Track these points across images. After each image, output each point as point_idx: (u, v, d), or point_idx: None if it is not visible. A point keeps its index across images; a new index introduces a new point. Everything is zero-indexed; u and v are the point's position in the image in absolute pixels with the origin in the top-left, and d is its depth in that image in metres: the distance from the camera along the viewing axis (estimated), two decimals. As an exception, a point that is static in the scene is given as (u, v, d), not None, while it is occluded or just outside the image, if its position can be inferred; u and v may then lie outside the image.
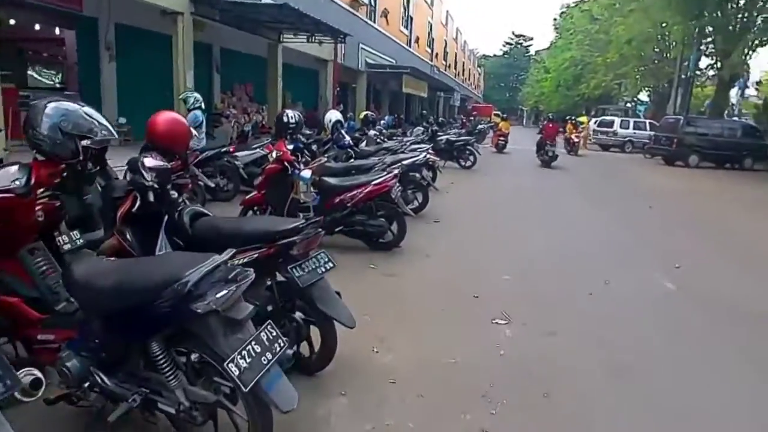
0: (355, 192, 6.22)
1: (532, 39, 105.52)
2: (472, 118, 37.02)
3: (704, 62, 27.63)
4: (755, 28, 21.64)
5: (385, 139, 13.73)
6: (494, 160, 20.32)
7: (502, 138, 24.43)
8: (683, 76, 28.08)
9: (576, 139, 23.60)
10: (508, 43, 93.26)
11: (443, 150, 16.26)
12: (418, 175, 9.05)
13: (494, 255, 6.73)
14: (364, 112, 13.02)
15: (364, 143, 11.55)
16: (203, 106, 9.19)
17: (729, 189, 15.55)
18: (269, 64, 16.88)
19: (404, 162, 8.45)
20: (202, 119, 9.05)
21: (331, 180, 6.49)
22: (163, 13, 12.28)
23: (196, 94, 9.08)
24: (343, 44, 21.32)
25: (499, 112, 62.96)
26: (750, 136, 21.41)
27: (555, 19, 58.99)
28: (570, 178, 15.96)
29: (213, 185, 8.29)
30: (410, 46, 33.10)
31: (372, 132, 11.64)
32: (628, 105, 42.58)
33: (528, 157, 19.71)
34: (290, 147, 6.37)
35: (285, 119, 6.70)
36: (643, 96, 44.94)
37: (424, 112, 24.72)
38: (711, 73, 26.15)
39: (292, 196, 6.49)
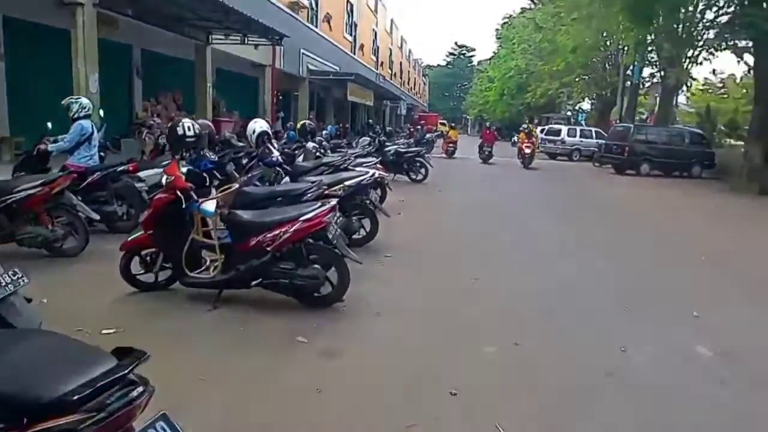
0: (277, 231, 4.36)
1: (474, 50, 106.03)
2: (419, 127, 35.63)
3: (646, 71, 27.28)
4: (702, 37, 21.06)
5: (328, 152, 11.97)
6: (445, 169, 18.77)
7: (451, 144, 25.65)
8: (627, 84, 27.63)
9: (528, 150, 20.89)
10: (451, 54, 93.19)
11: (392, 162, 14.57)
12: (365, 197, 7.31)
13: (466, 306, 5.03)
14: (302, 121, 11.16)
15: (301, 157, 9.72)
16: (93, 113, 7.17)
17: (694, 201, 14.53)
18: (197, 68, 14.81)
19: (348, 182, 6.71)
20: (92, 131, 7.01)
21: (246, 214, 4.62)
22: (60, 4, 10.12)
23: (83, 100, 7.04)
24: (282, 48, 19.54)
25: (445, 121, 62.53)
26: (697, 144, 20.78)
27: (497, 29, 58.80)
28: (527, 192, 14.58)
29: (97, 217, 6.26)
30: (355, 54, 31.46)
31: (311, 144, 9.81)
32: (569, 113, 42.33)
33: (477, 166, 18.38)
34: (186, 169, 4.50)
35: (179, 131, 4.84)
36: (584, 105, 45.04)
37: (371, 121, 23.12)
38: (653, 81, 25.58)
39: (193, 236, 4.61)
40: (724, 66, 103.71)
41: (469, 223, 9.30)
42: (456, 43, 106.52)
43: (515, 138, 25.00)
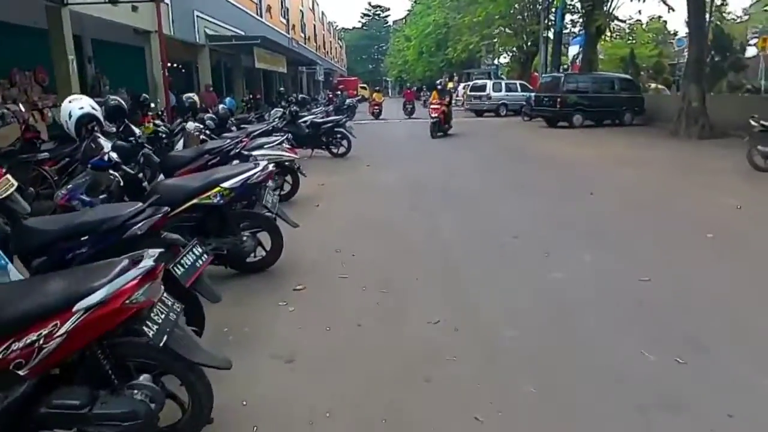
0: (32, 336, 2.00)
1: (389, 9, 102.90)
2: (338, 92, 33.00)
3: (567, 19, 25.87)
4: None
5: (232, 128, 9.52)
6: (371, 137, 16.59)
7: (377, 107, 26.56)
8: (548, 34, 26.16)
9: (435, 114, 16.11)
10: (365, 15, 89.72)
11: (308, 137, 12.25)
12: (258, 202, 5.07)
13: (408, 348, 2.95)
14: (186, 96, 8.51)
15: (181, 143, 7.21)
16: None
17: (643, 152, 13.05)
18: (52, 36, 11.60)
19: (227, 183, 4.37)
20: None
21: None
22: None
23: None
24: (169, 8, 16.43)
25: (365, 85, 59.83)
26: (627, 90, 19.58)
27: (410, -15, 55.97)
28: (463, 156, 12.64)
29: None
30: (261, 17, 28.11)
31: (191, 125, 7.25)
32: (490, 68, 40.83)
33: (403, 129, 16.29)
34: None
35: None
36: (503, 59, 43.66)
37: (281, 89, 20.30)
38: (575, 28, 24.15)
39: None
40: (626, 12, 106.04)
41: (405, 209, 7.18)
42: (370, 4, 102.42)
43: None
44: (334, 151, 12.48)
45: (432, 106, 16.94)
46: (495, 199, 7.68)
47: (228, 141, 6.43)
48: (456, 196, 7.90)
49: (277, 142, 7.30)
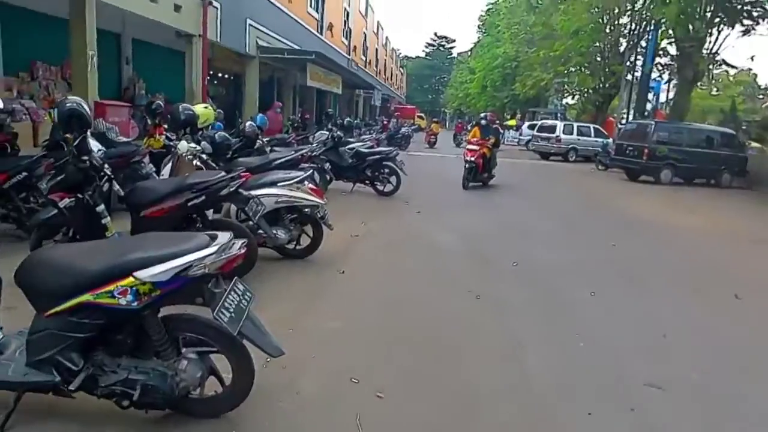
0: None
1: (454, 41, 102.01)
2: (394, 119, 31.35)
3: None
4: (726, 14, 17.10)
5: (240, 155, 7.71)
6: (423, 171, 14.54)
7: (433, 136, 28.38)
8: (630, 76, 23.72)
9: (471, 156, 11.94)
10: (430, 45, 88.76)
11: (351, 168, 10.36)
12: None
13: None
14: (183, 106, 6.56)
15: (168, 169, 5.36)
16: None
17: (759, 223, 10.48)
18: (72, 27, 10.15)
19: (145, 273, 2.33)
20: None
21: None
22: None
23: None
24: (218, 12, 15.08)
25: (423, 114, 58.25)
26: (728, 147, 16.84)
27: (481, 16, 54.39)
28: (535, 211, 10.36)
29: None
30: (322, 34, 26.85)
31: (184, 145, 5.28)
32: (558, 108, 38.39)
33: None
34: None
35: None
36: (568, 99, 41.15)
37: (330, 111, 18.61)
38: (667, 71, 21.57)
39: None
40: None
41: (466, 296, 4.99)
42: (435, 34, 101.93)
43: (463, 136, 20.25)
44: (380, 188, 10.48)
45: (469, 147, 12.26)
46: (595, 289, 5.41)
47: (220, 175, 4.47)
48: (536, 281, 5.67)
49: (296, 179, 5.33)
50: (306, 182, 5.44)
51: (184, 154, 5.26)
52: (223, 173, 4.57)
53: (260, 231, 5.10)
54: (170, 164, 5.33)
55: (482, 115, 13.89)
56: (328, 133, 11.05)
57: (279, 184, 5.24)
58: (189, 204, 4.38)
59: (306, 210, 5.32)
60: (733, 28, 17.47)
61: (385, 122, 28.64)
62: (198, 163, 5.26)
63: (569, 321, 4.48)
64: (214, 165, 5.37)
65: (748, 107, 40.08)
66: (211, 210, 5.02)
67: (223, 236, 2.47)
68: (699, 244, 8.27)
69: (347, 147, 11.45)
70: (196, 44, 14.36)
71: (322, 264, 5.51)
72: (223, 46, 17.21)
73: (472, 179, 12.22)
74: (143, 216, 4.43)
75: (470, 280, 5.41)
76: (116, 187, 4.40)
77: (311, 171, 5.80)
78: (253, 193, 5.02)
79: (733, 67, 19.45)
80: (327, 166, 9.50)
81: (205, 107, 7.05)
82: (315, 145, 9.92)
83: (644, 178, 16.69)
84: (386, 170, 10.45)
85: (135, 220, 4.51)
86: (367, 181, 10.48)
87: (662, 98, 30.65)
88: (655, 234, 8.77)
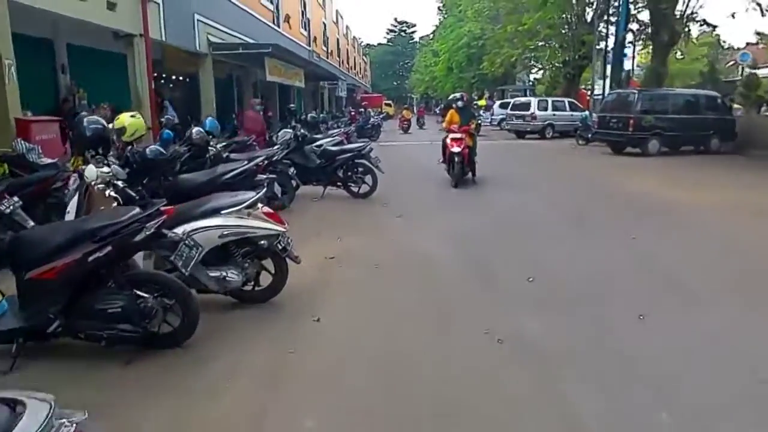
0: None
1: (415, 25, 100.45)
2: (362, 110, 29.93)
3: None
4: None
5: (191, 167, 6.42)
6: (399, 163, 13.30)
7: (406, 122, 29.69)
8: (598, 45, 22.71)
9: (456, 147, 9.99)
10: (391, 31, 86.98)
11: (319, 170, 9.05)
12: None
13: None
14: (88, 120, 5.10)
15: (74, 202, 3.99)
16: None
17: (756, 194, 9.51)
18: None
19: None
20: None
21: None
22: None
23: None
24: (160, 8, 13.53)
25: (390, 102, 56.79)
26: (714, 110, 15.92)
27: (441, -3, 52.85)
28: (530, 201, 9.18)
29: None
30: (279, 26, 25.22)
31: (92, 171, 3.86)
32: (527, 84, 37.38)
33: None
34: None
35: None
36: (535, 75, 40.16)
37: (292, 106, 17.11)
38: (642, 36, 20.51)
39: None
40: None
41: (480, 338, 3.78)
42: (396, 20, 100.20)
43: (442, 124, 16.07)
44: (354, 189, 9.19)
45: (452, 136, 10.18)
46: (639, 308, 4.24)
47: (131, 214, 3.15)
48: (563, 303, 4.48)
49: (245, 202, 4.01)
50: (260, 205, 4.12)
51: (93, 183, 3.90)
52: (137, 210, 3.25)
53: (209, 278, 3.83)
54: (76, 197, 3.97)
55: (456, 95, 11.56)
56: (291, 131, 9.71)
57: (223, 212, 3.93)
58: (89, 259, 3.06)
59: (262, 242, 4.02)
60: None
61: (353, 113, 27.21)
62: (113, 194, 3.90)
63: (631, 369, 3.29)
64: (132, 194, 4.01)
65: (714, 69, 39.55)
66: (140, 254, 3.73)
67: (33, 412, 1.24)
68: (724, 228, 7.18)
69: (314, 145, 10.15)
70: (138, 45, 12.77)
71: (290, 309, 4.23)
72: (172, 46, 15.63)
73: (462, 174, 10.23)
74: (29, 279, 3.11)
75: (482, 311, 4.19)
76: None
77: (264, 189, 4.44)
78: (188, 228, 3.72)
79: (712, 26, 18.58)
80: (292, 170, 8.18)
81: (133, 116, 5.62)
82: (276, 147, 8.56)
83: (630, 150, 15.74)
84: (360, 169, 9.16)
85: (20, 284, 3.19)
86: (339, 183, 9.18)
87: (626, 66, 29.86)
88: (670, 218, 7.66)
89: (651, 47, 20.34)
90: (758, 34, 30.49)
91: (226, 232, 3.89)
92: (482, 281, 4.93)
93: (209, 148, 8.40)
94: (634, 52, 27.05)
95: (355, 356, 3.54)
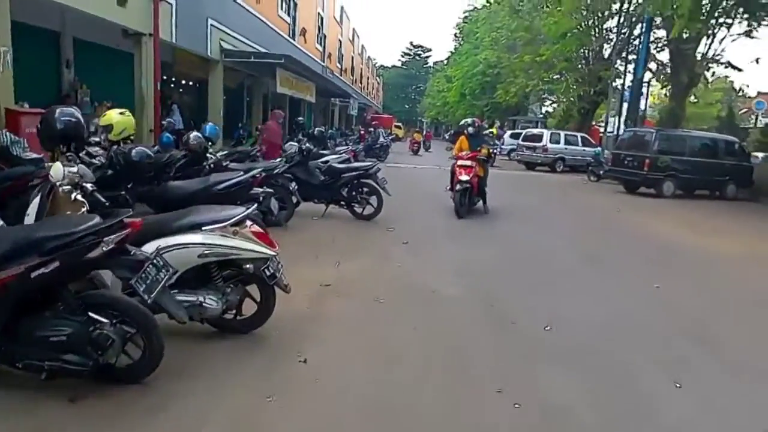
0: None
1: (430, 50, 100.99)
2: (371, 129, 29.57)
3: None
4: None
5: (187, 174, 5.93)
6: (407, 185, 12.80)
7: (416, 144, 30.62)
8: (614, 83, 22.41)
9: (465, 176, 9.24)
10: (406, 54, 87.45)
11: (323, 187, 8.52)
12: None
13: None
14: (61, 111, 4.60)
15: (35, 205, 3.44)
16: None
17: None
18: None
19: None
20: None
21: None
22: None
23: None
24: (173, 9, 13.20)
25: (400, 124, 56.58)
26: (732, 156, 15.45)
27: (458, 24, 52.96)
28: (544, 236, 8.64)
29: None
30: (294, 39, 24.99)
31: (59, 169, 3.33)
32: (539, 116, 37.09)
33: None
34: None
35: None
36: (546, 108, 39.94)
37: (301, 119, 16.64)
38: (661, 75, 20.15)
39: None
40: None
41: (501, 405, 3.22)
42: (411, 43, 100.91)
43: (450, 149, 14.66)
44: (358, 210, 8.66)
45: (460, 163, 9.48)
46: (673, 374, 3.68)
47: (89, 225, 2.61)
48: (586, 359, 3.91)
49: (232, 218, 3.46)
50: (249, 222, 3.57)
51: (59, 184, 3.36)
52: (97, 220, 2.70)
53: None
54: (38, 199, 3.43)
55: (468, 121, 10.72)
56: (297, 144, 9.21)
57: (205, 228, 3.38)
58: (32, 275, 2.51)
59: (247, 266, 3.47)
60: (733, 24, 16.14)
61: (362, 132, 26.82)
62: (80, 197, 3.36)
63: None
64: (102, 200, 3.47)
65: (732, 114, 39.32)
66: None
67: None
68: (749, 279, 6.61)
69: (320, 161, 9.67)
70: (147, 44, 12.36)
71: (274, 345, 3.66)
72: (183, 49, 15.28)
73: (468, 203, 9.51)
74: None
75: (494, 364, 3.61)
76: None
77: (255, 205, 3.88)
78: (162, 244, 3.17)
79: (737, 69, 18.20)
80: (293, 186, 7.64)
81: (122, 113, 5.14)
82: (279, 160, 8.05)
83: (643, 190, 15.23)
84: (365, 189, 8.63)
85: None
86: (342, 203, 8.65)
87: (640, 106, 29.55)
88: (693, 266, 7.09)
89: (669, 88, 19.96)
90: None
91: (206, 252, 3.34)
92: (494, 327, 4.36)
93: (208, 155, 7.94)
94: (647, 92, 26.85)
95: (344, 409, 2.96)
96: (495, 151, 21.69)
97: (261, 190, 5.46)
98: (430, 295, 4.99)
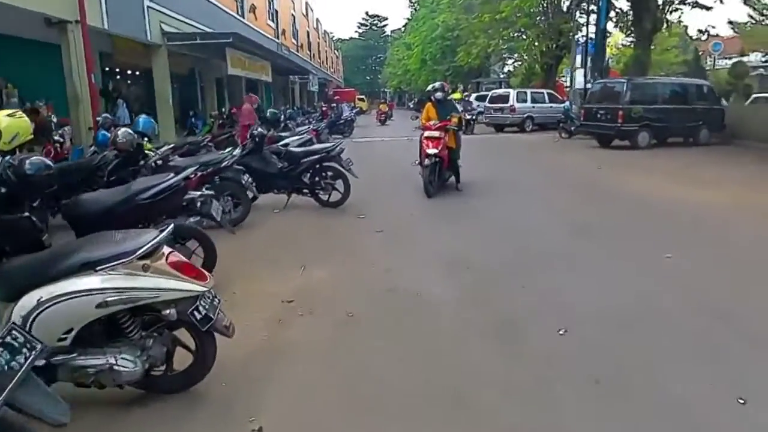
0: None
1: (387, 19, 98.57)
2: (334, 104, 28.31)
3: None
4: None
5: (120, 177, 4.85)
6: (376, 161, 11.87)
7: (383, 114, 30.89)
8: (575, 35, 21.56)
9: (434, 145, 8.17)
10: (362, 25, 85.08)
11: (282, 175, 7.54)
12: None
13: None
14: None
15: None
16: None
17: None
18: None
19: None
20: None
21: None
22: None
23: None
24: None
25: (363, 96, 55.04)
26: (703, 100, 14.82)
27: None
28: (529, 213, 7.84)
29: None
30: (243, 17, 23.40)
31: None
32: (502, 77, 36.19)
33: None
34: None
35: None
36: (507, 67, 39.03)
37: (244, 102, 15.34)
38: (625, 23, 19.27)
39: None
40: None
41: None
42: (367, 14, 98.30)
43: (417, 118, 12.73)
44: (323, 197, 7.69)
45: (427, 135, 8.37)
46: (730, 382, 2.92)
47: None
48: (615, 373, 3.11)
49: (140, 248, 2.47)
50: (165, 250, 2.61)
51: None
52: None
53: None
54: None
55: (436, 85, 9.30)
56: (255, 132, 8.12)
57: (101, 268, 2.41)
58: None
59: (167, 312, 2.52)
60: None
61: (324, 108, 25.55)
62: None
63: None
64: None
65: (682, 60, 38.99)
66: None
67: None
68: (755, 235, 5.93)
69: (280, 144, 8.66)
70: (74, 33, 10.97)
71: (217, 405, 2.73)
72: (119, 36, 13.84)
73: (438, 181, 8.41)
74: None
75: (507, 397, 2.76)
76: None
77: (168, 228, 2.82)
78: (42, 295, 2.22)
79: (706, 8, 17.33)
80: (246, 178, 6.62)
81: (11, 115, 4.04)
82: (227, 151, 6.99)
83: (617, 143, 14.57)
84: (329, 173, 7.64)
85: None
86: (306, 191, 7.66)
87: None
88: (694, 229, 6.35)
89: (631, 36, 19.20)
90: (731, 23, 29.86)
91: (107, 300, 2.38)
92: (497, 337, 3.50)
93: (149, 152, 6.86)
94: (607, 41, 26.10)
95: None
96: (472, 117, 20.66)
97: (199, 193, 4.47)
98: (414, 301, 4.11)
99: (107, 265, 2.42)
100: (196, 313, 2.58)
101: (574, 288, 4.34)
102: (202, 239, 4.35)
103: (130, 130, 6.06)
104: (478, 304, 4.04)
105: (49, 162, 3.81)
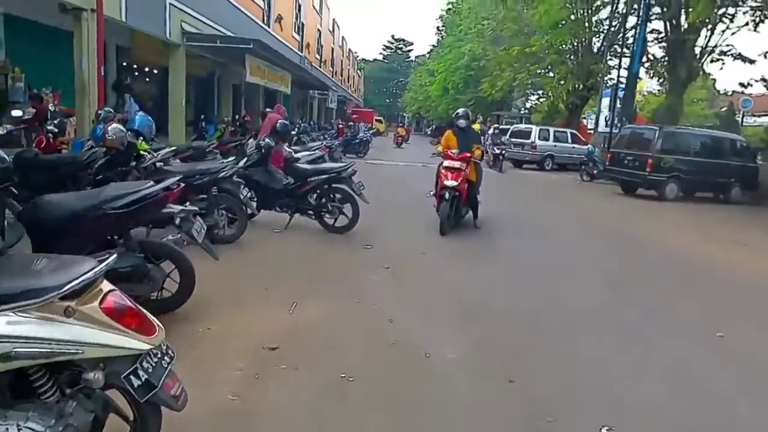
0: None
1: (412, 44, 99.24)
2: (351, 123, 27.89)
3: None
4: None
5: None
6: (388, 186, 11.24)
7: (400, 137, 32.02)
8: (604, 76, 21.03)
9: (451, 180, 7.32)
10: (387, 47, 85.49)
11: (286, 192, 6.92)
12: None
13: None
14: None
15: None
16: None
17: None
18: None
19: None
20: None
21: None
22: None
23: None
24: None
25: (381, 118, 54.83)
26: (738, 156, 14.14)
27: (441, 16, 51.02)
28: (556, 264, 7.14)
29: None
30: (269, 26, 23.14)
31: None
32: (523, 112, 35.73)
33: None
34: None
35: None
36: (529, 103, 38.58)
37: (267, 110, 14.69)
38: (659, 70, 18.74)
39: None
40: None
41: None
42: (393, 37, 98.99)
43: (435, 147, 9.92)
44: (329, 220, 7.03)
45: (446, 165, 7.60)
46: None
47: None
48: None
49: (69, 282, 1.81)
50: (104, 286, 1.95)
51: None
52: None
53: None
54: None
55: (459, 112, 8.38)
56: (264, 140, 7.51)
57: (6, 308, 1.74)
58: None
59: (92, 375, 1.85)
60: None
61: (341, 126, 25.09)
62: None
63: None
64: None
65: (712, 113, 38.48)
66: None
67: None
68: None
69: (294, 159, 8.04)
70: (88, 21, 10.51)
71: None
72: (139, 30, 13.44)
73: (454, 217, 7.56)
74: None
75: None
76: None
77: (112, 257, 2.19)
78: None
79: (750, 61, 16.75)
80: (246, 193, 5.99)
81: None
82: (230, 160, 6.38)
83: (642, 191, 13.89)
84: (338, 196, 7.01)
85: None
86: (310, 212, 7.02)
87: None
88: (740, 298, 5.61)
89: (664, 83, 18.66)
90: (764, 80, 29.30)
91: (13, 352, 1.72)
92: (525, 424, 2.79)
93: (144, 153, 6.27)
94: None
95: None
96: (501, 151, 19.70)
97: (180, 207, 3.81)
98: (423, 365, 3.40)
99: (17, 305, 1.76)
100: (133, 378, 1.90)
101: (619, 364, 3.63)
102: (179, 260, 3.70)
103: (121, 127, 5.50)
104: (500, 377, 3.32)
105: (5, 157, 3.17)
